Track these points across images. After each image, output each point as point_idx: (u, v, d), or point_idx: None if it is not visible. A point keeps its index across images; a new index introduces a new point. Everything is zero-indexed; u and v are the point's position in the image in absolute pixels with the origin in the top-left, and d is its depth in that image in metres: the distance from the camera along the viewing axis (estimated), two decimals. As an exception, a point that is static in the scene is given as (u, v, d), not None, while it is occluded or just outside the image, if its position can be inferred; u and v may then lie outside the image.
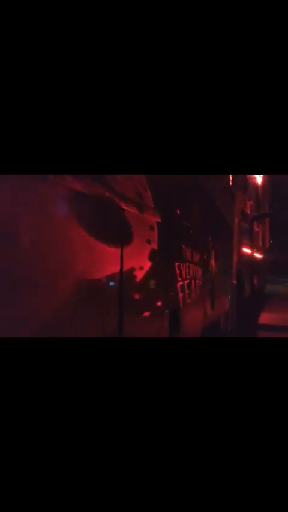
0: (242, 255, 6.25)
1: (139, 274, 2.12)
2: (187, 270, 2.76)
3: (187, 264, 2.89)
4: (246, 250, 7.27)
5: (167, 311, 2.57)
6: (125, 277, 1.87)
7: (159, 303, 2.42)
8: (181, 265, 2.83)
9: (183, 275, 2.81)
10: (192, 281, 2.91)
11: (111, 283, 1.75)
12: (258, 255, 10.12)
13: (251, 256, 7.83)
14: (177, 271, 2.68)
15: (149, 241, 2.28)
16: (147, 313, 2.17)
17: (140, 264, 2.13)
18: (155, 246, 2.36)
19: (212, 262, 4.40)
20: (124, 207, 1.89)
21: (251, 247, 7.72)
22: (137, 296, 2.06)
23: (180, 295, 2.87)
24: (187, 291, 3.11)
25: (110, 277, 1.74)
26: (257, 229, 9.96)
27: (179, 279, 2.93)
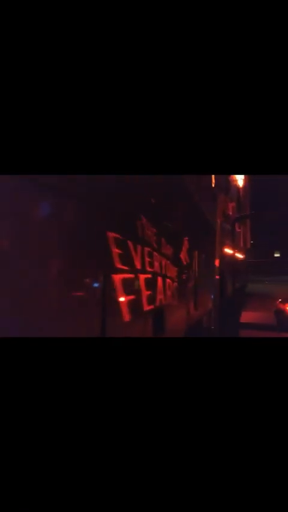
0: (224, 255, 6.38)
1: (121, 275, 2.12)
2: (150, 261, 2.71)
3: (153, 253, 2.83)
4: (228, 250, 7.42)
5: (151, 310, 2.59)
6: (107, 278, 1.88)
7: (143, 303, 2.43)
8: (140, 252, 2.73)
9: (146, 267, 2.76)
10: (160, 278, 2.89)
11: (95, 284, 1.75)
12: (239, 255, 10.36)
13: (232, 257, 8.00)
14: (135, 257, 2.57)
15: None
16: (130, 314, 2.18)
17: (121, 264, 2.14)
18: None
19: (195, 262, 4.47)
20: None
21: (232, 247, 7.89)
22: (120, 297, 2.07)
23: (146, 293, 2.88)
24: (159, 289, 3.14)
25: (94, 278, 1.74)
26: (239, 230, 10.19)
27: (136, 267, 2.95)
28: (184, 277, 3.83)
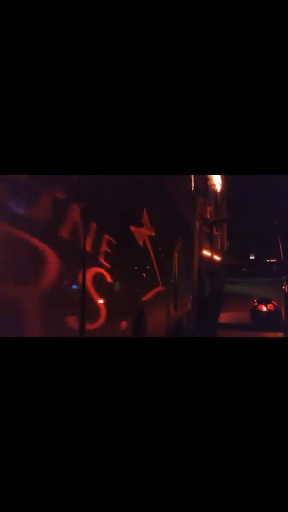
0: (202, 258, 6.53)
1: (103, 278, 2.13)
2: (131, 263, 2.67)
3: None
4: (207, 252, 7.60)
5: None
6: (87, 280, 1.88)
7: (123, 306, 2.45)
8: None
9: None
10: (140, 279, 2.86)
11: (74, 286, 1.75)
12: (217, 257, 10.62)
13: (210, 259, 8.19)
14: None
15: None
16: (110, 316, 2.19)
17: (103, 266, 2.15)
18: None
19: (175, 264, 4.54)
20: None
21: (210, 250, 8.08)
22: (100, 299, 2.07)
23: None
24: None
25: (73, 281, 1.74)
26: (216, 233, 10.46)
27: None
28: (164, 279, 3.88)
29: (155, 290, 3.43)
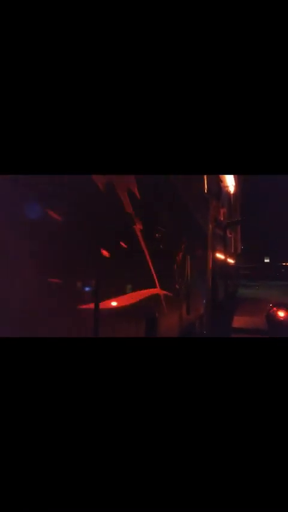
0: (216, 260, 6.44)
1: (115, 279, 2.12)
2: (143, 266, 2.69)
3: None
4: (220, 255, 7.50)
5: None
6: (100, 281, 1.87)
7: (136, 308, 2.43)
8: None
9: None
10: (152, 282, 2.89)
11: (87, 288, 1.74)
12: (231, 260, 10.47)
13: (224, 262, 8.08)
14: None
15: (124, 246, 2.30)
16: (123, 318, 2.17)
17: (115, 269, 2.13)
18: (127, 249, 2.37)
19: (188, 267, 4.49)
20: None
21: (224, 252, 7.98)
22: (114, 301, 2.06)
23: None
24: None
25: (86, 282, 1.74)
26: (230, 236, 10.33)
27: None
28: (177, 282, 3.84)
29: (167, 293, 3.39)
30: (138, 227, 2.54)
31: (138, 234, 2.55)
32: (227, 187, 9.16)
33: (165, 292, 3.32)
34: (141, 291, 2.61)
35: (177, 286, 3.83)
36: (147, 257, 2.81)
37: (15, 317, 1.18)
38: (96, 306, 1.79)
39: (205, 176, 5.87)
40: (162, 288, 3.22)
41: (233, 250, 11.36)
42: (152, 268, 2.94)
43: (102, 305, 1.86)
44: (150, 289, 2.87)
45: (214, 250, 6.03)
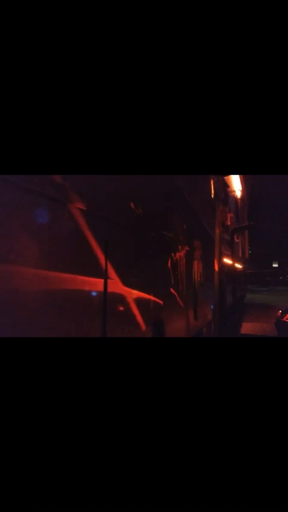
0: (223, 266, 6.39)
1: (123, 285, 2.11)
2: (150, 271, 2.70)
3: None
4: (227, 260, 7.44)
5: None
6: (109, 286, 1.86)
7: (143, 313, 2.41)
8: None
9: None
10: (159, 288, 2.89)
11: (93, 293, 1.74)
12: (238, 265, 10.38)
13: (231, 267, 8.01)
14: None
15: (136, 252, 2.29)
16: (130, 324, 2.16)
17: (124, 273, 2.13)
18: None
19: (195, 272, 4.46)
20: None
21: (231, 257, 7.91)
22: (120, 306, 2.05)
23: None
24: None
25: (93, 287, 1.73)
26: (237, 240, 10.25)
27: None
28: (184, 288, 3.81)
29: (174, 299, 3.37)
30: (145, 232, 2.53)
31: (146, 239, 2.54)
32: (234, 191, 9.12)
33: (172, 297, 3.30)
34: (148, 296, 2.60)
35: (184, 292, 3.80)
36: (154, 262, 2.80)
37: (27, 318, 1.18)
38: (104, 311, 1.79)
39: (212, 182, 5.86)
40: (169, 293, 3.20)
41: (240, 255, 11.26)
42: (158, 273, 2.92)
43: (109, 309, 1.85)
44: (157, 295, 2.85)
45: (221, 256, 5.98)
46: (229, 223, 8.11)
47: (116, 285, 1.99)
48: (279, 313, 6.96)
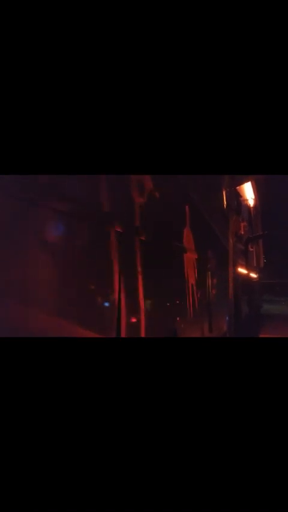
0: (237, 276, 6.27)
1: (135, 295, 2.09)
2: (164, 283, 2.67)
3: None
4: (242, 270, 7.31)
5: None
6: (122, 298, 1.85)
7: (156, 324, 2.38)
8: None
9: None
10: (173, 299, 2.84)
11: (106, 304, 1.73)
12: (253, 275, 10.17)
13: (246, 277, 7.86)
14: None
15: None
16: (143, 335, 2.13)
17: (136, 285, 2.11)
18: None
19: (208, 283, 4.39)
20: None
21: (246, 267, 7.77)
22: (133, 318, 2.03)
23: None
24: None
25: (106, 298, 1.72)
26: (251, 250, 10.09)
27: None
28: (198, 299, 3.75)
29: (188, 310, 3.31)
30: (158, 243, 2.52)
31: (158, 250, 2.53)
32: (247, 200, 9.03)
33: (186, 309, 3.24)
34: (161, 309, 2.56)
35: (198, 304, 3.74)
36: (167, 273, 2.78)
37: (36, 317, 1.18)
38: (118, 323, 1.77)
39: (224, 191, 5.83)
40: (182, 305, 3.15)
41: (255, 265, 11.05)
42: (172, 284, 2.89)
43: (122, 321, 1.83)
44: (171, 307, 2.81)
45: (236, 266, 5.89)
46: (243, 233, 8.01)
47: (129, 297, 1.97)
48: (297, 325, 6.72)
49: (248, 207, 9.48)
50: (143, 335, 2.11)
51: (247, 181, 7.64)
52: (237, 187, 6.96)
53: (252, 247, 10.29)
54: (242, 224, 7.85)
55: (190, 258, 3.55)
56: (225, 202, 5.86)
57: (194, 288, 3.65)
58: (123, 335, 1.81)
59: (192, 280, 3.58)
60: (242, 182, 7.02)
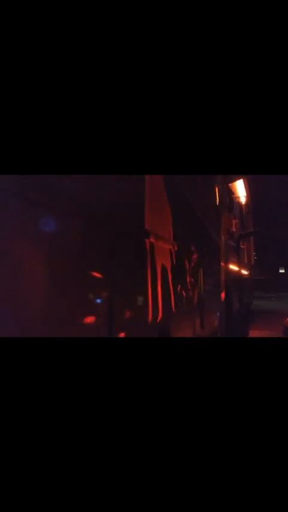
0: (229, 272, 6.34)
1: (129, 292, 2.11)
2: (155, 280, 2.69)
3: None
4: (233, 267, 7.39)
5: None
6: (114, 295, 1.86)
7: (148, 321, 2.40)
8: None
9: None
10: (165, 296, 2.87)
11: (98, 300, 1.74)
12: (244, 272, 10.29)
13: (238, 273, 7.95)
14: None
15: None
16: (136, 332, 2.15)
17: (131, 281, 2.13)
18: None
19: (200, 279, 4.44)
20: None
21: (237, 264, 7.86)
22: (127, 314, 2.04)
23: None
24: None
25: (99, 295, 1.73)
26: (243, 247, 10.19)
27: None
28: (190, 295, 3.79)
29: (180, 307, 3.34)
30: (150, 241, 2.54)
31: (151, 247, 2.55)
32: (239, 198, 9.10)
33: (178, 306, 3.28)
34: (154, 305, 2.59)
35: (190, 300, 3.78)
36: (159, 270, 2.80)
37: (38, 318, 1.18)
38: (111, 321, 1.78)
39: (216, 188, 5.87)
40: (175, 302, 3.18)
41: (246, 261, 11.18)
42: (163, 281, 2.92)
43: (116, 319, 1.85)
44: (163, 304, 2.84)
45: (227, 262, 5.95)
46: (234, 230, 8.08)
47: (121, 293, 1.99)
48: (287, 320, 6.86)
49: (240, 204, 9.55)
50: (135, 332, 2.13)
51: (239, 179, 7.69)
52: (230, 184, 7.00)
53: (244, 245, 10.39)
54: (234, 221, 7.91)
55: (182, 255, 3.58)
56: (217, 199, 5.90)
57: (186, 284, 3.69)
58: (116, 332, 1.83)
59: (183, 277, 3.61)
60: (234, 180, 7.06)
